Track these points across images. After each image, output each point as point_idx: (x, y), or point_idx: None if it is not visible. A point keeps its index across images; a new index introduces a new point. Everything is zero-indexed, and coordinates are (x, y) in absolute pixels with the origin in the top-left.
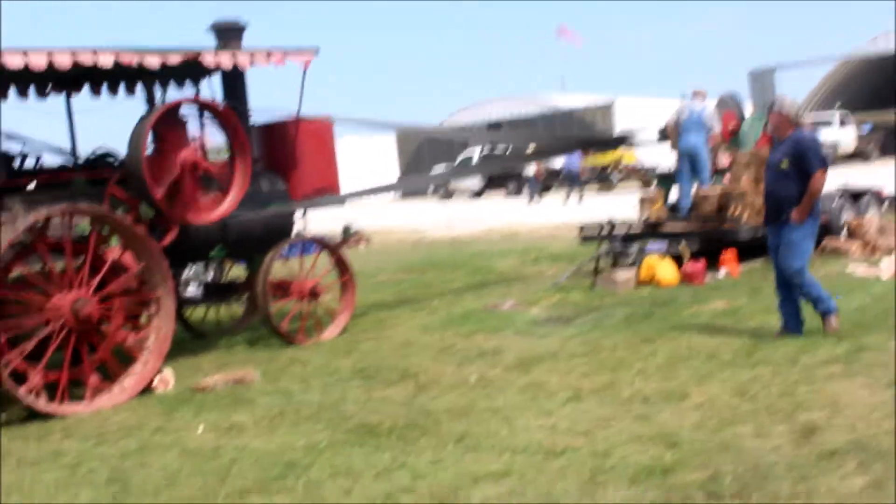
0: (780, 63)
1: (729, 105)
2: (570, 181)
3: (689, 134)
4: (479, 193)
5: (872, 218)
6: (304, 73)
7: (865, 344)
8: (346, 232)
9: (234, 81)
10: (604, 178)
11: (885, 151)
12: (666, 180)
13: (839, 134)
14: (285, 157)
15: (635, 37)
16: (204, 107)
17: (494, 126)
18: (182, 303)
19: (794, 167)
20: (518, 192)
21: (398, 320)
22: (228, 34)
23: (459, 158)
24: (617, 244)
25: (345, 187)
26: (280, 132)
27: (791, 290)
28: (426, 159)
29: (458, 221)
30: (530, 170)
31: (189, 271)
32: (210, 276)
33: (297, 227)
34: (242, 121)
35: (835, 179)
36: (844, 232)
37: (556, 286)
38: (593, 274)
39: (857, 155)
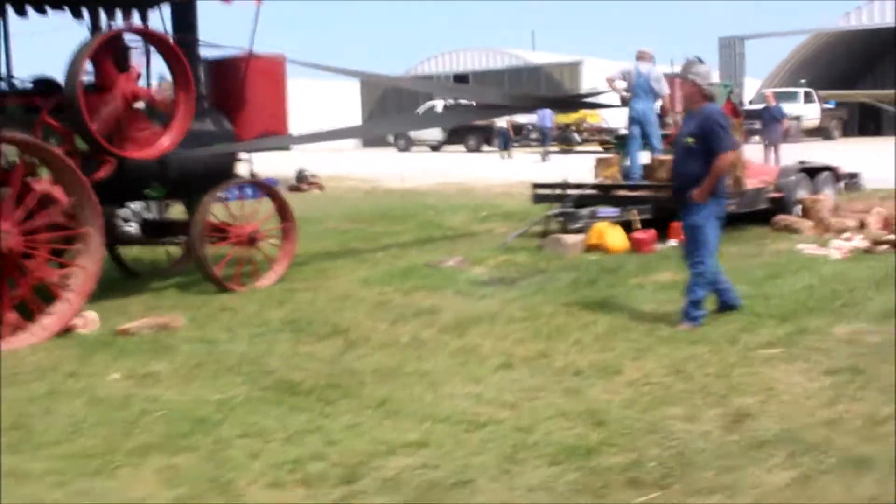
0: (750, 32)
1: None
2: (542, 137)
3: (638, 99)
4: (438, 146)
5: (828, 196)
6: (258, 9)
7: (808, 327)
8: (300, 176)
9: (184, 13)
10: (566, 138)
11: (848, 131)
12: (621, 144)
13: (803, 109)
14: (233, 95)
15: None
16: (146, 36)
17: (461, 77)
18: (116, 240)
19: (701, 144)
20: (478, 147)
21: (339, 271)
22: None
23: (422, 108)
24: (568, 207)
25: (305, 131)
26: (229, 69)
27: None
28: (390, 108)
29: (414, 173)
30: (501, 122)
31: (129, 208)
32: (151, 213)
33: (244, 168)
34: (189, 54)
35: (794, 155)
36: (798, 209)
37: (504, 246)
38: (542, 236)
39: (820, 132)
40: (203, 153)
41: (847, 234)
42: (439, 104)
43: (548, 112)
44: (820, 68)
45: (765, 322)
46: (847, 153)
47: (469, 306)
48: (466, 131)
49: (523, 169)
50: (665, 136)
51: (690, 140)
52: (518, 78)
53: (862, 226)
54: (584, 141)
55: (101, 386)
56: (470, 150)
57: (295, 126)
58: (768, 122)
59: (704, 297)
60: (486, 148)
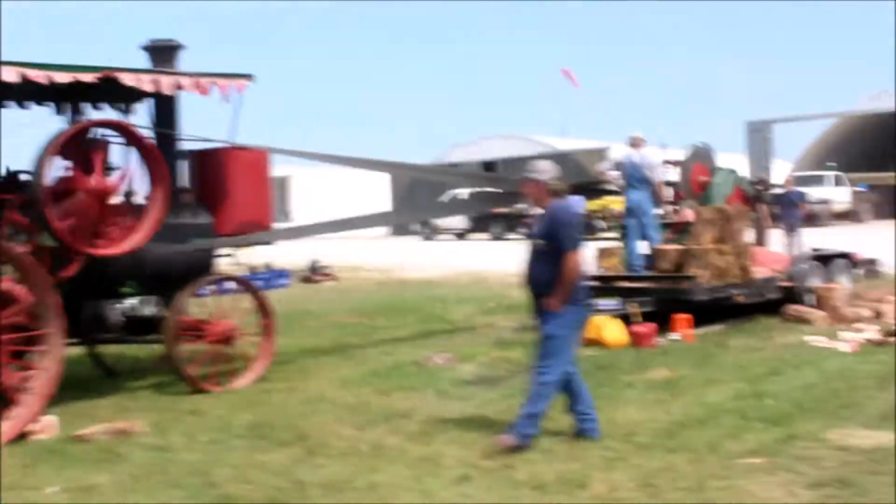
0: (778, 116)
1: (701, 157)
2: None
3: (632, 189)
4: (463, 234)
5: (841, 284)
6: (239, 100)
7: (799, 431)
8: (313, 267)
9: (165, 106)
10: (589, 225)
11: (881, 214)
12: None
13: (832, 192)
14: (214, 187)
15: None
16: (116, 129)
17: (489, 164)
18: (95, 338)
19: (550, 245)
20: (502, 235)
21: (321, 370)
22: (161, 55)
23: (446, 196)
24: None
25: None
26: (210, 161)
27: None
28: (419, 197)
29: (433, 262)
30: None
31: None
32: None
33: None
34: (167, 147)
35: (820, 240)
36: (811, 298)
37: (499, 341)
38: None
39: (850, 215)
40: (180, 248)
41: (860, 325)
42: (464, 192)
43: (578, 199)
44: (851, 151)
45: (752, 426)
46: (876, 236)
47: (445, 408)
48: (490, 219)
49: None
50: (669, 225)
51: (538, 241)
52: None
53: (877, 315)
54: (609, 228)
55: (37, 499)
56: (494, 237)
57: (319, 214)
58: (787, 207)
59: (542, 412)
60: (510, 235)
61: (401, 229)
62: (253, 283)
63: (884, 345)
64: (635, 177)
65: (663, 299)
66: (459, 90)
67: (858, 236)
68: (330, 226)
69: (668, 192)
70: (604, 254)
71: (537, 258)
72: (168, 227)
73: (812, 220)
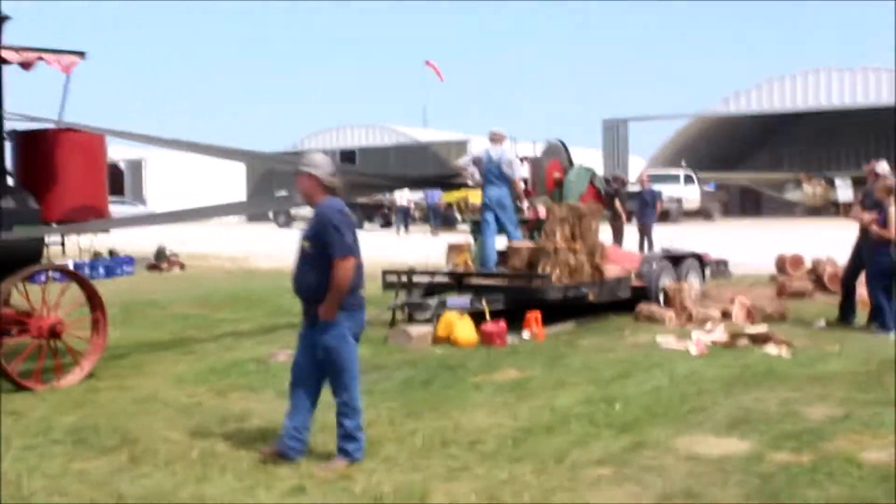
0: (633, 115)
1: (556, 153)
2: (432, 215)
3: (490, 185)
4: None
5: (692, 284)
6: (68, 79)
7: (647, 439)
8: (159, 254)
9: None
10: (447, 217)
11: (729, 212)
12: (478, 228)
13: (684, 191)
14: (42, 172)
15: (496, 78)
16: None
17: (348, 153)
18: None
19: (318, 248)
20: (359, 225)
21: (157, 366)
22: None
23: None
24: (416, 295)
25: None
26: (38, 143)
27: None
28: (274, 185)
29: (285, 251)
30: (402, 200)
31: None
32: None
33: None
34: None
35: (673, 237)
36: (661, 298)
37: None
38: (391, 326)
39: (701, 213)
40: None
41: (709, 326)
42: None
43: (435, 192)
44: (702, 151)
45: (602, 433)
46: (727, 235)
47: (282, 411)
48: (349, 208)
49: (411, 248)
50: (524, 222)
51: (306, 243)
52: (404, 155)
53: (724, 315)
54: (464, 221)
55: None
56: (380, 226)
57: (175, 198)
58: (642, 206)
59: (357, 425)
60: (367, 226)
61: (257, 216)
62: (81, 273)
63: (730, 347)
64: (493, 172)
65: (515, 297)
66: (318, 78)
67: (710, 235)
68: (177, 215)
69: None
70: (454, 249)
71: (305, 261)
72: None
73: (665, 217)
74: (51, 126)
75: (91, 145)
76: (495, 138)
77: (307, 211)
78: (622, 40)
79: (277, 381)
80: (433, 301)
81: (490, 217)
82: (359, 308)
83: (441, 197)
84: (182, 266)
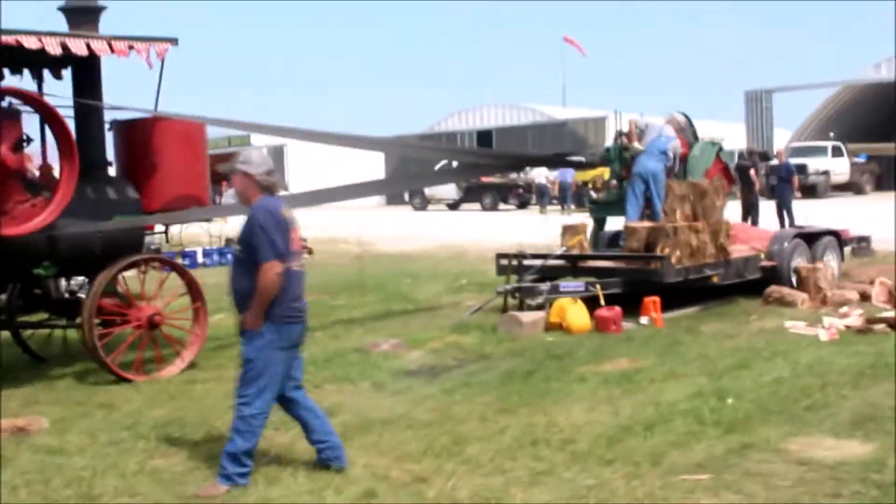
0: (778, 85)
1: (676, 123)
2: (563, 195)
3: (650, 158)
4: (455, 205)
5: (828, 264)
6: (162, 66)
7: (755, 440)
8: None
9: (84, 73)
10: (580, 197)
11: (881, 185)
12: (601, 208)
13: (831, 164)
14: (141, 161)
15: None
16: (16, 97)
17: (484, 134)
18: (13, 323)
19: (248, 253)
20: (495, 205)
21: None
22: (79, 16)
23: (438, 166)
24: (526, 279)
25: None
26: (136, 133)
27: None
28: (411, 165)
29: (417, 234)
30: (541, 179)
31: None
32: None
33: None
34: (86, 118)
35: (817, 212)
36: (794, 279)
37: (457, 324)
38: (503, 312)
39: (851, 186)
40: (99, 226)
41: (845, 309)
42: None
43: (569, 170)
44: (852, 121)
45: (706, 433)
46: (876, 209)
47: (375, 405)
48: (482, 189)
49: (536, 228)
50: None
51: (237, 248)
52: (542, 134)
53: (864, 298)
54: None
55: None
56: (485, 208)
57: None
58: (779, 181)
59: (247, 449)
60: (501, 206)
61: (394, 199)
62: (181, 264)
63: (866, 333)
64: (659, 148)
65: (632, 281)
66: (457, 58)
67: (858, 209)
68: (303, 198)
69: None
70: (568, 230)
71: (236, 266)
72: (86, 203)
73: (811, 192)
74: (149, 115)
75: (189, 133)
76: (672, 121)
77: (444, 192)
78: (763, 8)
79: (376, 373)
80: (545, 286)
81: (639, 190)
82: (292, 321)
83: (574, 175)
84: (310, 251)
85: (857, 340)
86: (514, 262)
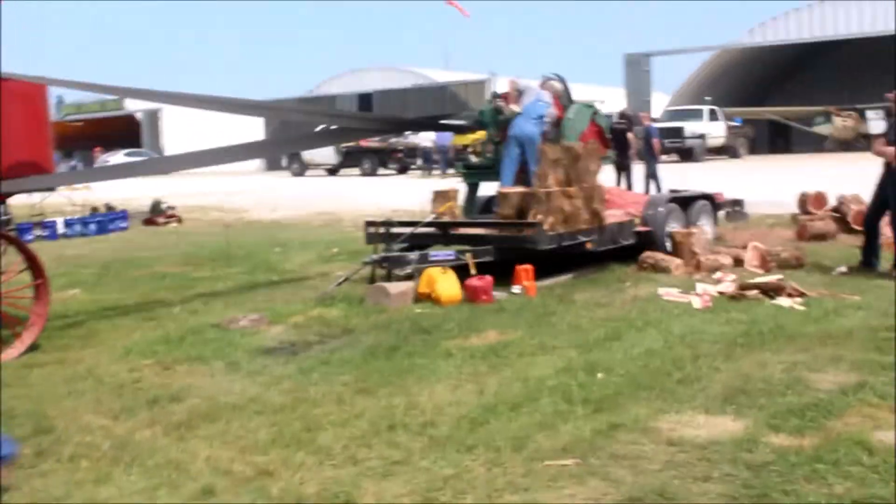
0: (656, 50)
1: (552, 89)
2: (441, 159)
3: (527, 121)
4: (335, 170)
5: (703, 228)
6: None
7: (624, 419)
8: (154, 209)
9: None
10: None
11: (756, 148)
12: (473, 173)
13: (708, 127)
14: None
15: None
16: None
17: (365, 96)
18: None
19: None
20: (374, 170)
21: (110, 335)
22: None
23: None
24: (395, 248)
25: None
26: None
27: None
28: (291, 129)
29: (290, 201)
30: (426, 143)
31: None
32: None
33: None
34: None
35: (694, 176)
36: (669, 244)
37: (324, 296)
38: (371, 282)
39: (726, 150)
40: None
41: (718, 275)
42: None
43: (447, 133)
44: (727, 85)
45: (574, 412)
46: (752, 173)
47: (226, 388)
48: (361, 154)
49: (416, 193)
50: None
51: None
52: (422, 97)
53: (738, 262)
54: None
55: None
56: (365, 173)
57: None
58: (644, 144)
59: None
60: (381, 171)
61: (273, 165)
62: (14, 236)
63: (739, 299)
64: (537, 112)
65: (504, 248)
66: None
67: (733, 172)
68: (177, 161)
69: None
70: (439, 196)
71: None
72: None
73: (688, 154)
74: None
75: (30, 94)
76: (547, 87)
77: (322, 157)
78: None
79: (232, 351)
80: (414, 255)
81: (514, 153)
82: None
83: (452, 139)
84: (180, 220)
85: (730, 307)
86: (383, 230)
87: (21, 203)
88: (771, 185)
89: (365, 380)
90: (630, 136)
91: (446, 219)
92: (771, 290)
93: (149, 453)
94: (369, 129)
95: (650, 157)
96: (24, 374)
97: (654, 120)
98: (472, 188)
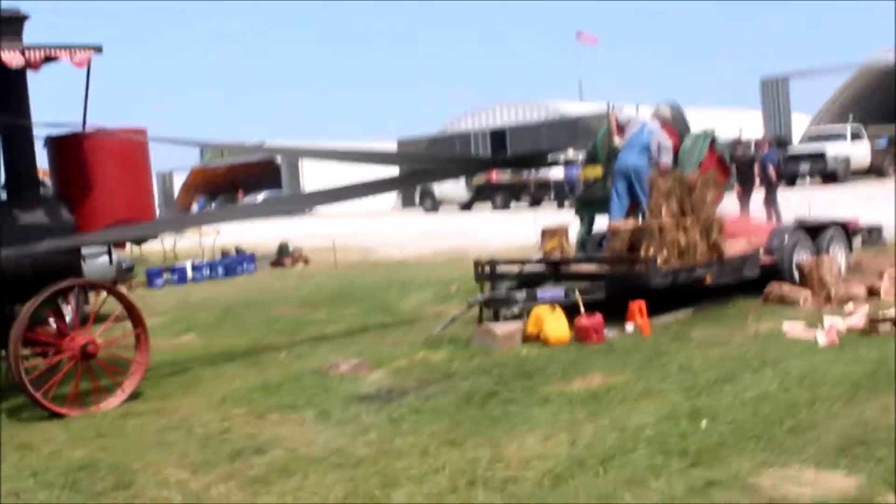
0: (794, 70)
1: (668, 117)
2: (570, 191)
3: (631, 153)
4: (468, 205)
5: (833, 258)
6: (88, 75)
7: (722, 476)
8: (281, 251)
9: (5, 84)
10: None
11: None
12: (587, 207)
13: (851, 148)
14: (76, 180)
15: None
16: None
17: (497, 133)
18: None
19: None
20: (506, 205)
21: (212, 382)
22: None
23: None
24: (500, 288)
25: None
26: (70, 149)
27: None
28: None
29: (418, 238)
30: (558, 175)
31: None
32: None
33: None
34: (8, 134)
35: (830, 198)
36: (797, 275)
37: (429, 339)
38: (478, 324)
39: (873, 170)
40: (26, 251)
41: (850, 307)
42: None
43: (575, 167)
44: (871, 104)
45: (669, 466)
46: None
47: (311, 439)
48: (492, 189)
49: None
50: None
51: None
52: (555, 130)
53: (872, 293)
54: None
55: None
56: (496, 207)
57: None
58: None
59: None
60: (513, 205)
61: (408, 201)
62: (116, 288)
63: (870, 333)
64: (641, 143)
65: (616, 285)
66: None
67: (878, 195)
68: (210, 216)
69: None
70: (547, 234)
71: None
72: (12, 227)
73: (832, 177)
74: (89, 131)
75: (129, 147)
76: (659, 116)
77: (455, 193)
78: None
79: (326, 399)
80: (521, 294)
81: (622, 187)
82: None
83: (580, 173)
84: (306, 261)
85: (858, 343)
86: (489, 269)
87: (153, 249)
88: None
89: (454, 430)
90: (755, 165)
91: (556, 256)
92: None
93: None
94: (447, 171)
95: (769, 185)
96: (119, 424)
97: (781, 144)
98: (588, 223)
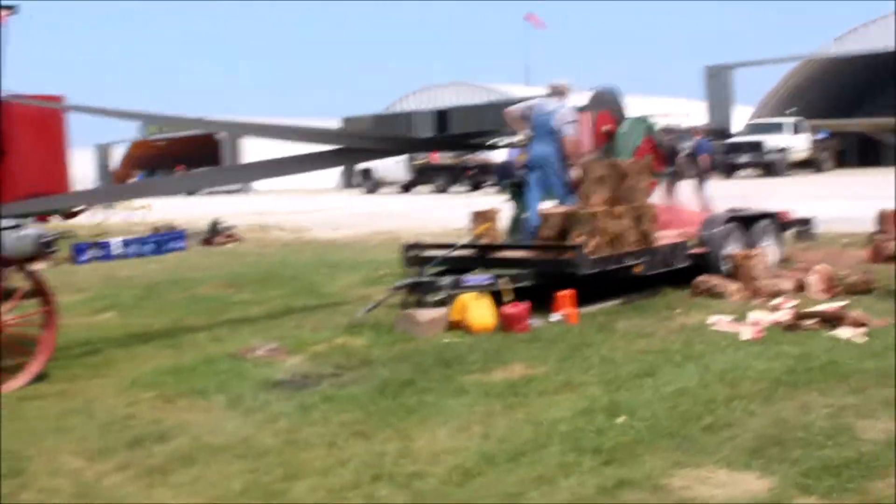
0: (739, 61)
1: (605, 103)
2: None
3: (540, 141)
4: (408, 187)
5: (765, 250)
6: (4, 30)
7: (633, 475)
8: (213, 228)
9: None
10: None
11: (845, 162)
12: (519, 191)
13: (791, 140)
14: None
15: (599, 29)
16: None
17: (443, 113)
18: None
19: None
20: (446, 188)
21: (126, 364)
22: None
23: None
24: (424, 273)
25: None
26: None
27: None
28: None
29: (352, 219)
30: (500, 158)
31: None
32: None
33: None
34: None
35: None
36: (728, 267)
37: (352, 323)
38: (403, 308)
39: (810, 163)
40: None
41: (778, 300)
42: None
43: (515, 150)
44: (813, 96)
45: (581, 464)
46: (833, 188)
47: (217, 427)
48: (433, 171)
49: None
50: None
51: None
52: (500, 113)
53: (800, 288)
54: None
55: None
56: (437, 190)
57: None
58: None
59: None
60: (453, 188)
61: (349, 182)
62: (26, 265)
63: (795, 329)
64: (544, 127)
65: (545, 273)
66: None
67: (815, 187)
68: (129, 189)
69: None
70: (479, 217)
71: None
72: None
73: (769, 169)
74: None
75: (45, 119)
76: (556, 91)
77: (394, 175)
78: None
79: (238, 384)
80: (446, 280)
81: (534, 178)
82: None
83: (519, 155)
84: (238, 240)
85: (783, 339)
86: (419, 253)
87: (84, 223)
88: (853, 200)
89: (365, 420)
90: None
91: (485, 241)
92: (831, 319)
93: (114, 499)
94: (385, 150)
95: (700, 175)
96: (19, 408)
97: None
98: (520, 208)
